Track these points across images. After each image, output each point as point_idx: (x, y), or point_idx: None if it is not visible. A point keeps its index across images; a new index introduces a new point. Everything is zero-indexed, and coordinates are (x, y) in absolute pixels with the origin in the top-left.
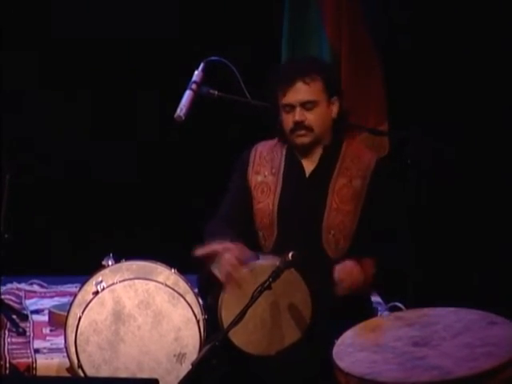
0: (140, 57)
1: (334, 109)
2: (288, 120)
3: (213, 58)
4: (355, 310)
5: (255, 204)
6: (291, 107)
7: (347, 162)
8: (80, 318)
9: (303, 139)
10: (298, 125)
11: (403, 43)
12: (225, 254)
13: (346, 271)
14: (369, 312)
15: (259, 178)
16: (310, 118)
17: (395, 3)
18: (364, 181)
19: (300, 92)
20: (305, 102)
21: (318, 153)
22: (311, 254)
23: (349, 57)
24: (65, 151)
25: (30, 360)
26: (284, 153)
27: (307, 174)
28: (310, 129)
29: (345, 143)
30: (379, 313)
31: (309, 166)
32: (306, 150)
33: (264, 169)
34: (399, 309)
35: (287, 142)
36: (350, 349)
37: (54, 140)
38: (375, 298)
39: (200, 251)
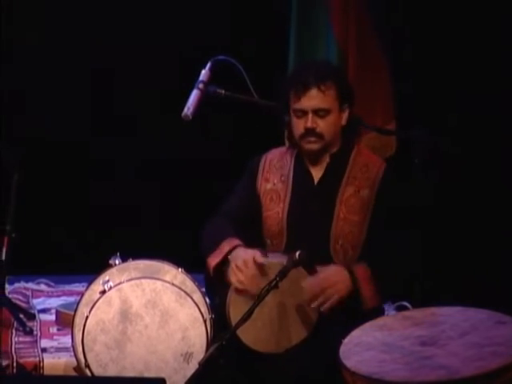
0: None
1: (344, 116)
2: (299, 125)
3: (220, 57)
4: (362, 309)
5: (264, 212)
6: (303, 113)
7: (355, 170)
8: (87, 318)
9: (312, 146)
10: (309, 131)
11: (409, 42)
12: (235, 260)
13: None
14: (376, 311)
15: (268, 186)
16: (322, 125)
17: (400, 3)
18: (372, 190)
19: (314, 99)
20: (318, 109)
21: (325, 160)
22: (320, 262)
23: (356, 56)
24: (73, 149)
25: (37, 359)
26: (293, 160)
27: (315, 181)
28: (320, 136)
29: (354, 151)
30: (386, 312)
31: (317, 173)
32: (314, 157)
33: (273, 176)
34: (406, 308)
35: (296, 146)
36: (357, 348)
37: (62, 138)
38: None
39: (214, 260)
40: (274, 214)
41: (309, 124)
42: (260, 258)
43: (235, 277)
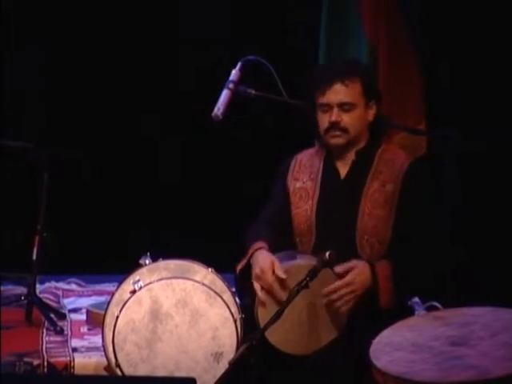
0: (176, 55)
1: (371, 112)
2: (324, 120)
3: (250, 57)
4: (392, 309)
5: (293, 209)
6: (328, 107)
7: (381, 165)
8: (118, 317)
9: (337, 140)
10: (334, 125)
11: (441, 42)
12: (255, 266)
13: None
14: (406, 311)
15: (298, 184)
16: (347, 119)
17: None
18: (396, 185)
19: (339, 93)
20: (343, 103)
21: (352, 156)
22: (347, 258)
23: (387, 56)
24: (103, 149)
25: (68, 359)
26: (323, 159)
27: (342, 176)
28: (345, 130)
29: (381, 148)
30: (416, 312)
31: (343, 169)
32: (341, 153)
33: (303, 175)
34: (436, 308)
35: (324, 145)
36: (388, 348)
37: (92, 137)
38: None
39: (240, 264)
40: (302, 211)
41: (333, 118)
42: (278, 270)
43: (255, 284)
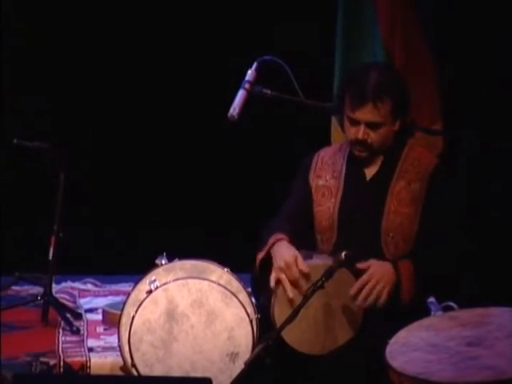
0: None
1: (398, 123)
2: (351, 131)
3: (266, 57)
4: (408, 309)
5: (315, 207)
6: (356, 122)
7: (407, 164)
8: (133, 317)
9: (361, 154)
10: (360, 142)
11: (456, 42)
12: (276, 257)
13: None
14: (422, 312)
15: (320, 182)
16: (373, 137)
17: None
18: (423, 184)
19: (368, 113)
20: (371, 122)
21: (379, 158)
22: (370, 256)
23: (402, 55)
24: (119, 149)
25: (84, 359)
26: (346, 157)
27: (368, 178)
28: (370, 146)
29: (407, 146)
30: (432, 312)
31: (370, 170)
32: (366, 157)
33: (325, 173)
34: (452, 308)
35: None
36: (404, 348)
37: (105, 137)
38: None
39: (260, 254)
40: (325, 209)
41: (360, 136)
42: (302, 265)
43: (276, 277)
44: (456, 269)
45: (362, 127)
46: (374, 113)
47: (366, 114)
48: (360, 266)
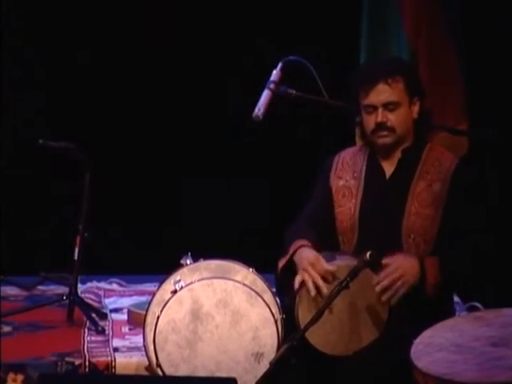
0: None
1: (415, 109)
2: (369, 121)
3: (291, 57)
4: (433, 309)
5: (336, 208)
6: (373, 108)
7: (428, 165)
8: (158, 317)
9: (385, 140)
10: (380, 126)
11: (482, 42)
12: (299, 262)
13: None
14: (447, 312)
15: (341, 183)
16: (392, 118)
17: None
18: (444, 184)
19: (382, 93)
20: (387, 102)
21: (397, 155)
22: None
23: (427, 56)
24: (142, 149)
25: (109, 358)
26: (366, 158)
27: (387, 176)
28: (392, 129)
29: (427, 147)
30: (457, 313)
31: (389, 168)
32: (387, 152)
33: (346, 173)
34: (477, 309)
35: (369, 144)
36: (429, 349)
37: (132, 139)
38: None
39: (281, 262)
40: (346, 209)
41: (379, 119)
42: (325, 264)
43: (301, 279)
44: (479, 269)
45: (380, 110)
46: (388, 91)
47: (379, 94)
48: (386, 260)
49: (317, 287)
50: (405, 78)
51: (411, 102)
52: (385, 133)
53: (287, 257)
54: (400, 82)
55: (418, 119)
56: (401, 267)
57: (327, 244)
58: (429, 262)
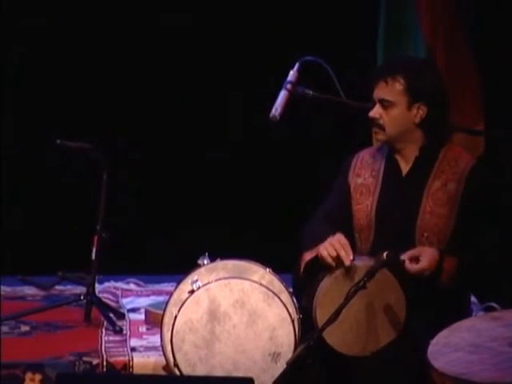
0: (233, 56)
1: (418, 114)
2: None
3: (308, 57)
4: (450, 310)
5: (354, 205)
6: (374, 102)
7: (444, 164)
8: (176, 317)
9: (377, 136)
10: (372, 121)
11: (495, 41)
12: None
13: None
14: (464, 312)
15: (359, 181)
16: (385, 117)
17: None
18: (459, 184)
19: (380, 90)
20: (381, 99)
21: (414, 153)
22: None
23: (444, 57)
24: (157, 148)
25: (127, 358)
26: (385, 156)
27: (403, 175)
28: (382, 127)
29: (445, 148)
30: (474, 313)
31: (405, 166)
32: (398, 149)
33: (365, 172)
34: (494, 309)
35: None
36: (446, 349)
37: (150, 140)
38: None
39: (309, 255)
40: (363, 207)
41: (371, 113)
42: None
43: (325, 251)
44: (495, 269)
45: (376, 106)
46: (384, 89)
47: (377, 90)
48: (411, 252)
49: (338, 257)
50: (407, 79)
51: (411, 105)
52: (376, 129)
53: (314, 252)
54: (398, 82)
55: (425, 125)
56: (432, 265)
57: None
58: (448, 260)
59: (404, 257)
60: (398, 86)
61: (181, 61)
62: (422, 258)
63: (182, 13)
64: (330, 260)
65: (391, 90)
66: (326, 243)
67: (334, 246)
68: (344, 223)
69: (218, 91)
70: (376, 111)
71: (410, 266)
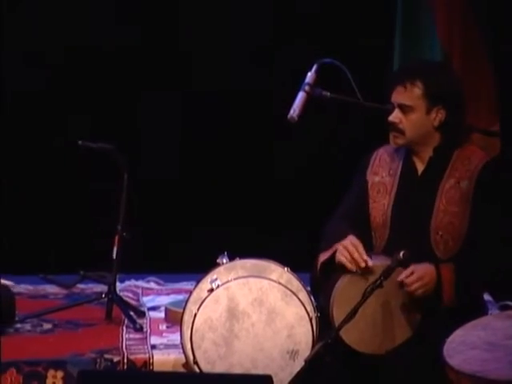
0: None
1: (437, 117)
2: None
3: (326, 59)
4: (466, 308)
5: (371, 203)
6: (393, 106)
7: (458, 163)
8: (195, 315)
9: (395, 140)
10: (391, 125)
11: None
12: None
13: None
14: (480, 311)
15: (376, 179)
16: (404, 121)
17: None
18: (471, 182)
19: (399, 95)
20: (400, 104)
21: (429, 153)
22: (420, 254)
23: (460, 57)
24: (176, 148)
25: (147, 356)
26: (403, 155)
27: (419, 174)
28: (401, 132)
29: (460, 148)
30: (490, 311)
31: (420, 165)
32: (415, 150)
33: (382, 170)
34: (510, 307)
35: None
36: (461, 347)
37: (169, 139)
38: (486, 297)
39: (324, 255)
40: (379, 205)
41: (390, 118)
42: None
43: (342, 256)
44: (505, 269)
45: (396, 110)
46: (403, 94)
47: (396, 95)
48: (405, 272)
49: (354, 260)
50: (425, 83)
51: (430, 109)
52: (395, 133)
53: (332, 251)
54: (417, 87)
55: (444, 127)
56: (418, 272)
57: (361, 240)
58: (445, 275)
59: (400, 278)
60: (417, 90)
61: (183, 62)
62: (414, 272)
63: None
64: (349, 265)
65: (410, 94)
66: (340, 247)
67: (347, 249)
68: (362, 221)
69: (221, 90)
70: (396, 116)
71: (408, 280)
